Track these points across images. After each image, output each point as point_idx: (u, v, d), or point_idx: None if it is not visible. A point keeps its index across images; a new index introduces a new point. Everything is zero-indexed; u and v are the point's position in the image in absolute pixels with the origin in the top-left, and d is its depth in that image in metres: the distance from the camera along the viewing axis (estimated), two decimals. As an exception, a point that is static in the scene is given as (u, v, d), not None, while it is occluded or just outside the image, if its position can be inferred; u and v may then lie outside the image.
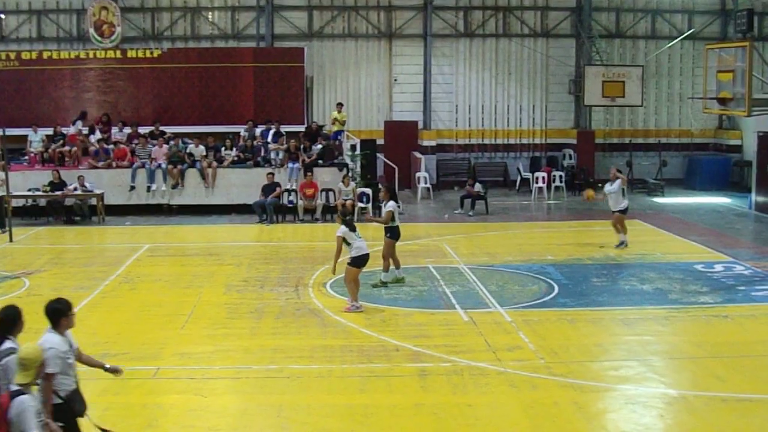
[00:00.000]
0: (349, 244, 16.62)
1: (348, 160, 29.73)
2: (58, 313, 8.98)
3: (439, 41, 36.11)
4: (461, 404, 11.57)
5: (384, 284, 18.44)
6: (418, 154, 34.25)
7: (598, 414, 11.46)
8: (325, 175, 29.08)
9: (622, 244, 22.63)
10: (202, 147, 29.90)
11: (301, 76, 33.63)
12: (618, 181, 22.70)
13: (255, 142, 30.68)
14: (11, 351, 8.23)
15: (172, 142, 30.21)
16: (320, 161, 29.57)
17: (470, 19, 36.33)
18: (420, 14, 35.86)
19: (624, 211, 22.86)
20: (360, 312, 16.29)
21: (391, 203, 18.79)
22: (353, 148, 30.31)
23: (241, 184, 29.17)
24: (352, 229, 16.70)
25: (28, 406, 7.55)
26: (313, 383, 12.31)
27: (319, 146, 30.09)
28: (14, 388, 7.69)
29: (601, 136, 36.84)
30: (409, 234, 24.69)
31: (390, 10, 35.99)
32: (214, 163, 29.59)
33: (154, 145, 30.16)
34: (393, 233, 18.67)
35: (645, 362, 13.38)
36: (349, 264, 16.69)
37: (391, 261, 18.64)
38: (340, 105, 32.34)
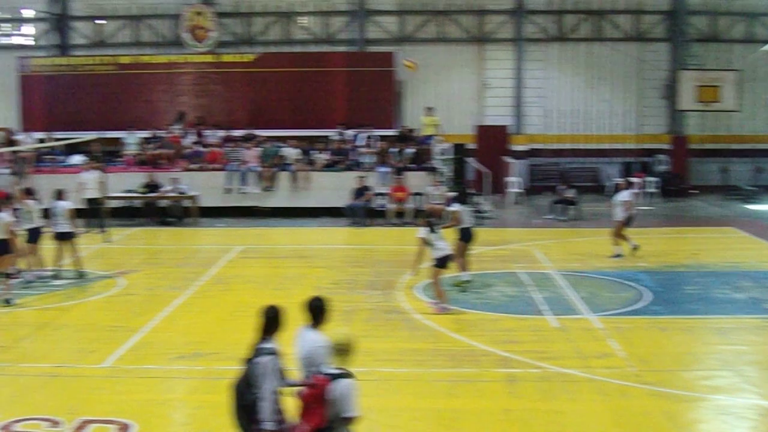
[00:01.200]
0: (430, 245, 16.67)
1: (438, 164, 29.74)
2: (322, 311, 9.02)
3: (530, 45, 35.96)
4: (550, 411, 11.51)
5: (467, 284, 18.41)
6: (508, 159, 34.10)
7: (689, 424, 11.30)
8: (416, 179, 29.13)
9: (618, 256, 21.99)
10: (294, 150, 30.20)
11: (392, 80, 33.75)
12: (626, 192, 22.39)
13: (346, 146, 30.90)
14: (269, 351, 8.50)
15: (265, 145, 30.55)
16: (411, 165, 29.64)
17: (562, 23, 36.10)
18: (511, 18, 35.73)
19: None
20: (448, 314, 16.29)
21: (457, 205, 18.79)
22: (444, 152, 30.31)
23: (332, 187, 29.37)
24: (433, 230, 16.73)
25: (351, 388, 8.02)
26: (401, 386, 12.35)
27: (411, 150, 30.17)
28: (331, 370, 8.17)
29: (696, 141, 36.23)
30: (499, 239, 24.68)
31: (481, 14, 35.96)
32: (306, 167, 29.86)
33: (246, 148, 30.55)
34: (463, 235, 18.65)
35: (738, 372, 13.13)
36: (433, 265, 16.75)
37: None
38: (430, 109, 32.36)
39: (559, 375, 12.84)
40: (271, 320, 8.72)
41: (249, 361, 8.44)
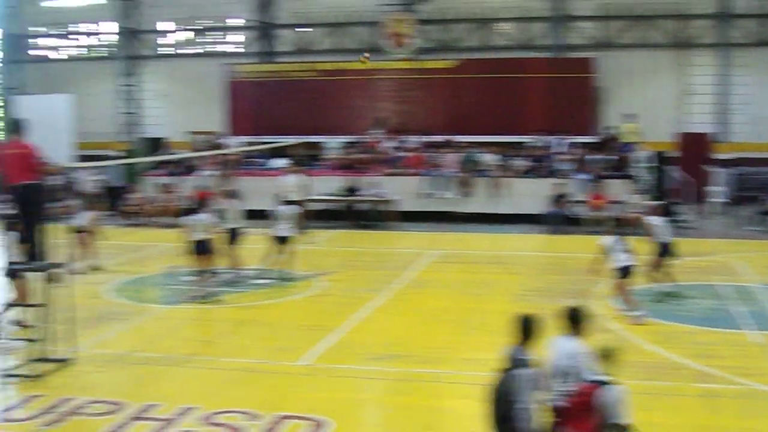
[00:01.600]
0: (611, 254, 16.39)
1: (638, 172, 29.13)
2: (581, 319, 9.14)
3: (737, 50, 34.73)
4: (750, 429, 11.07)
5: (670, 296, 17.96)
6: (710, 167, 33.05)
7: None
8: (614, 187, 28.64)
9: None
10: (492, 156, 30.22)
11: (591, 86, 33.28)
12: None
13: (544, 153, 30.68)
14: (527, 361, 8.43)
15: (463, 151, 30.68)
16: (610, 173, 29.17)
17: (773, 26, 34.77)
18: (716, 23, 34.62)
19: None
20: (642, 324, 15.95)
21: (655, 218, 18.28)
22: (644, 159, 29.68)
23: (529, 194, 29.20)
24: (619, 239, 16.46)
25: (623, 395, 8.06)
26: (595, 397, 12.16)
27: (610, 157, 29.69)
28: (598, 377, 8.19)
29: None
30: (698, 250, 23.93)
31: (683, 18, 34.95)
32: (504, 173, 29.81)
33: (445, 154, 30.75)
34: (660, 250, 18.11)
35: None
36: (615, 276, 16.49)
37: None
38: (630, 116, 31.69)
39: (761, 393, 12.35)
40: (526, 329, 8.63)
41: (506, 372, 8.40)
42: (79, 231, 21.39)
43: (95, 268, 21.82)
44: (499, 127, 33.23)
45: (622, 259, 16.39)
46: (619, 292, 16.49)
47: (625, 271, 16.40)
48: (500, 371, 8.43)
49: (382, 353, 14.27)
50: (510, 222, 29.04)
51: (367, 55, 23.69)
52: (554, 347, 8.95)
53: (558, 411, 8.40)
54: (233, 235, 20.21)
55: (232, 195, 20.74)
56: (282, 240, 20.23)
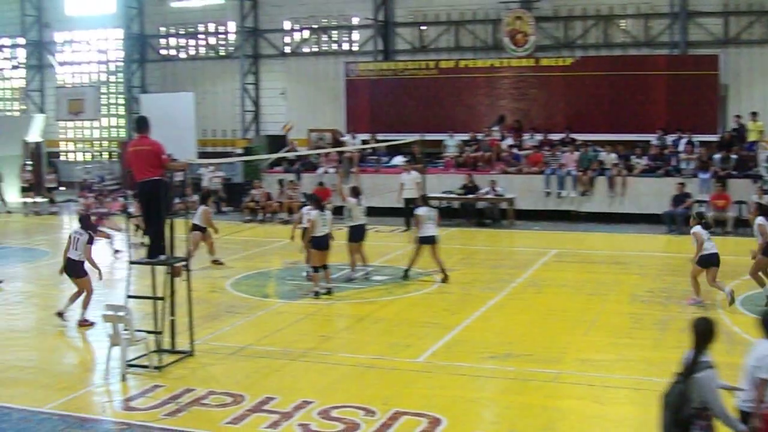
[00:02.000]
0: (701, 242, 16.59)
1: (763, 172, 28.39)
2: None
3: None
4: None
5: None
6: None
7: None
8: (739, 187, 27.97)
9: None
10: (612, 155, 29.85)
11: (715, 84, 32.47)
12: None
13: (666, 151, 30.14)
14: (708, 365, 8.33)
15: (582, 149, 30.39)
16: (734, 172, 28.51)
17: None
18: None
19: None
20: (702, 306, 16.15)
21: (763, 218, 17.66)
22: (769, 159, 28.93)
23: (650, 193, 28.75)
24: (705, 229, 16.82)
25: None
26: (717, 401, 11.88)
27: (734, 156, 29.02)
28: None
29: None
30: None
31: (814, 13, 33.84)
32: (624, 172, 29.40)
33: (564, 152, 30.49)
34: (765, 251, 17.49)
35: None
36: (696, 262, 16.73)
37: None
38: (754, 114, 30.85)
39: None
40: (704, 333, 8.48)
41: (686, 376, 8.26)
42: (196, 227, 21.82)
43: (215, 263, 22.26)
44: (619, 126, 32.72)
45: (708, 248, 16.67)
46: (693, 276, 17.06)
47: (708, 260, 16.66)
48: (678, 376, 8.26)
49: (499, 352, 14.21)
50: (629, 222, 28.62)
51: (289, 126, 24.26)
52: (756, 350, 8.70)
53: (746, 415, 8.19)
54: (357, 232, 20.33)
55: (355, 192, 20.83)
56: (426, 240, 20.15)
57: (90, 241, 16.68)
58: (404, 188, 27.90)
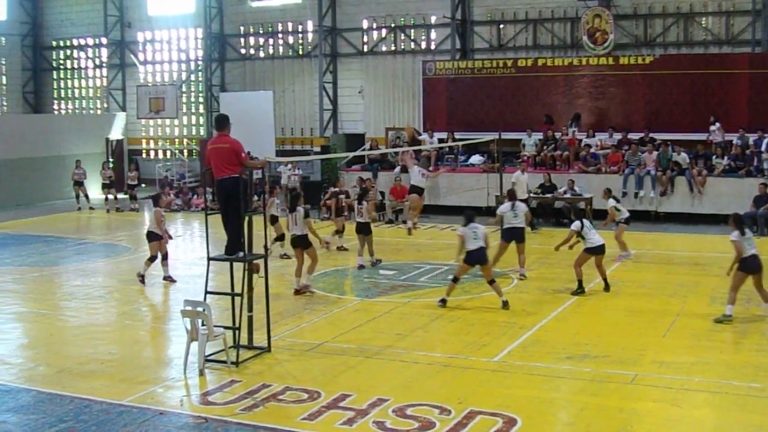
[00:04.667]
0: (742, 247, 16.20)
1: None
2: None
3: None
4: None
5: None
6: None
7: None
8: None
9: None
10: (683, 154, 29.45)
11: (799, 82, 31.87)
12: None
13: (748, 151, 29.64)
14: None
15: (661, 149, 30.02)
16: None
17: None
18: None
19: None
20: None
21: None
22: None
23: (731, 194, 28.26)
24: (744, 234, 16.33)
25: None
26: (800, 406, 11.69)
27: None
28: None
29: None
30: None
31: None
32: (704, 171, 28.99)
33: (644, 152, 30.16)
34: None
35: None
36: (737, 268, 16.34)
37: None
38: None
39: None
40: None
41: None
42: (273, 221, 22.04)
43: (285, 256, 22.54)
44: (700, 125, 32.25)
45: (748, 250, 16.25)
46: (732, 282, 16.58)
47: (743, 266, 16.29)
48: None
49: (576, 353, 14.13)
50: (710, 222, 28.19)
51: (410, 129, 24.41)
52: None
53: None
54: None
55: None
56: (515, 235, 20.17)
57: (306, 215, 18.74)
58: (517, 188, 27.89)
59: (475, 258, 17.31)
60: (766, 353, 14.13)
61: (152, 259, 20.44)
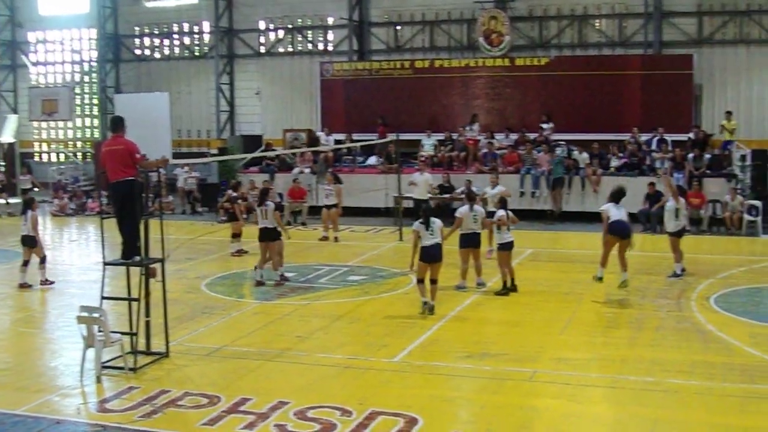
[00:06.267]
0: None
1: (737, 171, 28.55)
2: None
3: None
4: None
5: None
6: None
7: None
8: (713, 186, 28.12)
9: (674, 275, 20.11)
10: (585, 154, 29.97)
11: (689, 84, 32.65)
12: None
13: (640, 151, 30.26)
14: None
15: (559, 149, 30.48)
16: (708, 171, 28.66)
17: None
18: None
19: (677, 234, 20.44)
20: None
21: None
22: (743, 158, 29.07)
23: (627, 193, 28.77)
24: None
25: None
26: (690, 400, 11.93)
27: (708, 156, 29.18)
28: None
29: None
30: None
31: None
32: (599, 171, 29.52)
33: (539, 152, 30.57)
34: None
35: None
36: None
37: None
38: (729, 113, 30.99)
39: None
40: None
41: None
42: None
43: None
44: (594, 125, 32.86)
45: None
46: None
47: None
48: None
49: (475, 351, 14.24)
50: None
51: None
52: None
53: None
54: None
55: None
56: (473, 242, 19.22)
57: (278, 208, 19.26)
58: (416, 188, 27.94)
59: (430, 254, 16.89)
60: (660, 348, 14.43)
61: (26, 263, 20.29)
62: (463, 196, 28.77)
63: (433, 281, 17.02)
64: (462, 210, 19.08)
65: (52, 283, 20.39)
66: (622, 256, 18.24)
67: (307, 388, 12.39)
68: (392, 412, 11.25)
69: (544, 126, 32.40)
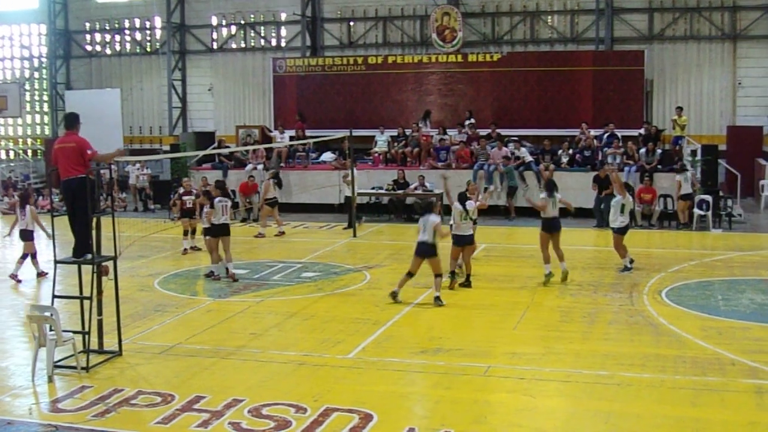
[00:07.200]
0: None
1: (688, 166, 28.85)
2: None
3: (790, 42, 34.18)
4: (802, 425, 10.93)
5: None
6: (762, 161, 32.60)
7: None
8: (664, 181, 28.39)
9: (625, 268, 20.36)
10: (523, 149, 30.29)
11: (640, 79, 33.00)
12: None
13: (591, 146, 30.46)
14: None
15: (511, 145, 30.61)
16: (659, 166, 28.93)
17: (826, 17, 34.16)
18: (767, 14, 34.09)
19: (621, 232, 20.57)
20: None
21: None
22: (693, 153, 29.37)
23: (577, 187, 28.94)
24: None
25: None
26: (643, 392, 12.04)
27: (659, 150, 29.45)
28: None
29: None
30: (750, 244, 23.79)
31: (734, 10, 34.41)
32: (552, 166, 29.68)
33: (492, 147, 30.67)
34: None
35: None
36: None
37: None
38: (679, 109, 31.28)
39: (814, 388, 12.18)
40: None
41: None
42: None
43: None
44: (547, 120, 33.10)
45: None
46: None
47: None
48: None
49: (429, 347, 14.26)
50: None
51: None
52: None
53: None
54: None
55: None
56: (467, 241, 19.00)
57: (233, 206, 19.31)
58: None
59: (420, 250, 17.40)
60: (613, 342, 14.54)
61: (25, 257, 20.76)
62: (416, 191, 29.11)
63: (438, 275, 17.50)
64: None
65: (20, 281, 20.38)
66: (557, 248, 19.26)
67: (262, 386, 12.35)
68: (347, 408, 11.24)
69: (467, 122, 32.59)
